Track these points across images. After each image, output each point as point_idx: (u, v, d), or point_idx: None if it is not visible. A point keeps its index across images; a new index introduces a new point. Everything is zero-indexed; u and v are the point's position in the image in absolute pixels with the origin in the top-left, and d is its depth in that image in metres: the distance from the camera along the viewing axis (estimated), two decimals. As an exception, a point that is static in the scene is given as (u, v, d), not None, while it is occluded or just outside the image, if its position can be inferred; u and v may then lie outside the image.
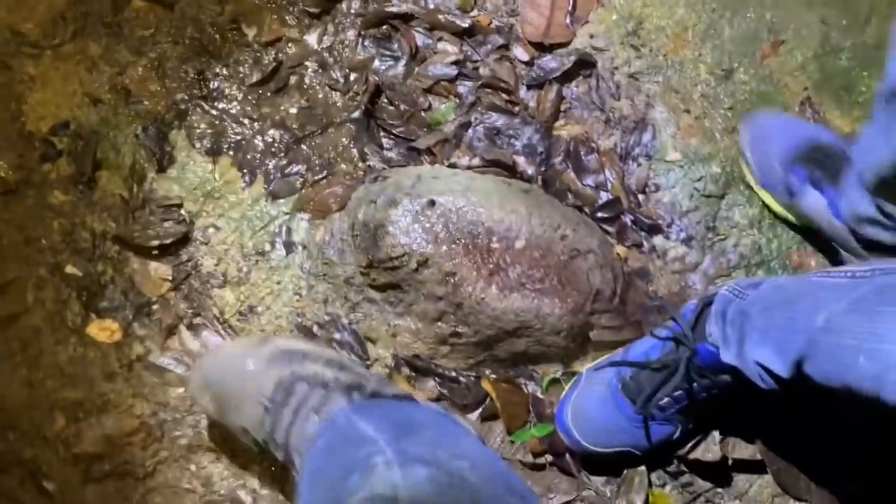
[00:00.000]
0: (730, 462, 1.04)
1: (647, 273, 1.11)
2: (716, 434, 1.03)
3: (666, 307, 1.01)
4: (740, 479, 1.05)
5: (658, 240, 1.12)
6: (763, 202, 1.11)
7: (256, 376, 0.88)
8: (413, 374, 1.05)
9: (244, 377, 0.89)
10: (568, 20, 1.19)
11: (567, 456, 1.04)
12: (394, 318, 1.05)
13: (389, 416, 0.82)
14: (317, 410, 0.83)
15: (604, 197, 1.13)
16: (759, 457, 1.04)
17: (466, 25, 1.17)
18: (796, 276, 0.86)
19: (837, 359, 0.69)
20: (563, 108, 1.16)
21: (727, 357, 0.87)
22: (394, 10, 1.18)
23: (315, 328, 1.06)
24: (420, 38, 1.18)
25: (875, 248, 0.97)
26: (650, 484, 1.03)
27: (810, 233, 1.09)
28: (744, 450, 1.04)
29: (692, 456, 1.03)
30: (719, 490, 1.04)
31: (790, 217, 1.09)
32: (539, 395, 1.06)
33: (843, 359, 0.68)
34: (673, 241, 1.12)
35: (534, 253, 1.02)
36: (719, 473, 1.04)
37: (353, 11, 1.18)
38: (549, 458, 1.04)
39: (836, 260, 1.08)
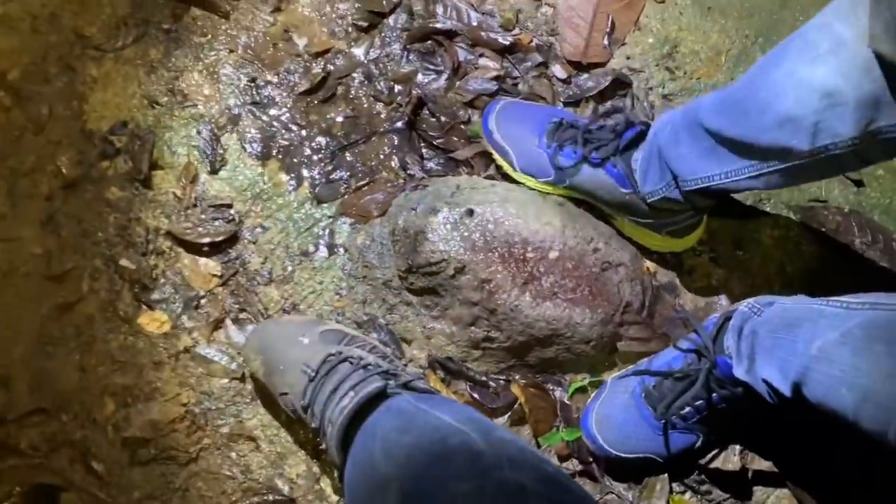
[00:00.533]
0: (749, 473, 1.07)
1: (674, 287, 1.15)
2: (736, 446, 1.07)
3: (689, 319, 1.05)
4: (758, 491, 1.08)
5: (686, 254, 1.16)
6: (526, 185, 1.13)
7: (307, 348, 0.96)
8: (446, 375, 1.10)
9: (296, 347, 0.97)
10: (605, 41, 1.23)
11: (591, 461, 1.08)
12: (429, 320, 1.10)
13: (460, 410, 0.87)
14: (354, 388, 0.89)
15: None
16: (776, 469, 1.07)
17: (508, 43, 1.22)
18: (801, 298, 0.91)
19: (826, 387, 0.75)
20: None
21: (738, 372, 0.91)
22: (438, 26, 1.23)
23: (353, 327, 1.11)
24: (462, 54, 1.23)
25: (665, 211, 1.04)
26: (671, 490, 1.06)
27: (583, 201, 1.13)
28: (763, 462, 1.08)
29: (713, 465, 1.07)
30: (738, 500, 1.08)
31: (562, 193, 1.12)
32: (566, 400, 1.10)
33: (831, 387, 0.74)
34: (700, 258, 1.16)
35: (567, 264, 1.06)
36: (738, 484, 1.07)
37: (399, 26, 1.23)
38: (575, 462, 1.08)
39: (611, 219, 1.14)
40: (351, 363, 0.93)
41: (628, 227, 1.11)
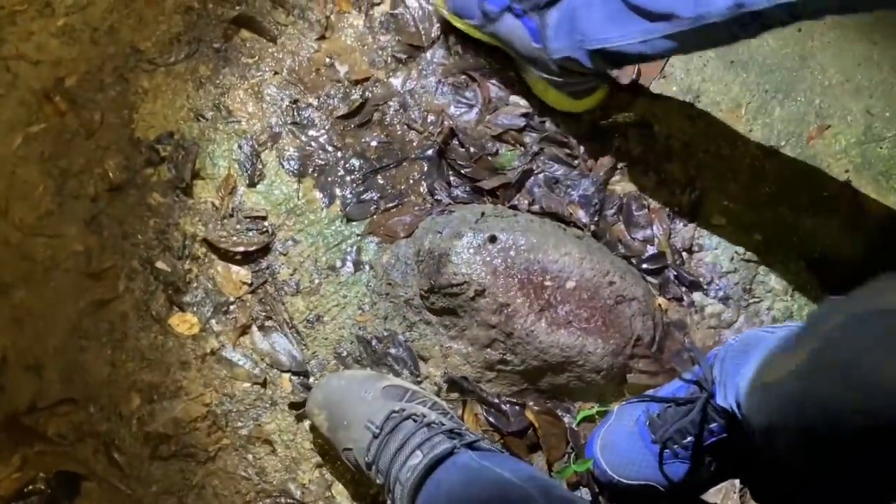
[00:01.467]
0: (748, 511, 1.10)
1: (684, 325, 1.19)
2: (737, 482, 1.10)
3: (694, 352, 1.09)
4: (756, 528, 1.11)
5: (697, 296, 1.20)
6: (456, 27, 1.24)
7: (370, 404, 1.00)
8: (460, 395, 1.14)
9: (359, 403, 1.00)
10: (631, 87, 1.29)
11: (597, 489, 1.12)
12: (447, 340, 1.14)
13: (521, 469, 0.93)
14: (420, 447, 0.93)
15: (650, 251, 1.22)
16: (775, 508, 1.10)
17: (538, 82, 1.28)
18: (765, 327, 0.98)
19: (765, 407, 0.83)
20: (619, 165, 1.26)
21: (719, 399, 0.97)
22: (472, 62, 1.29)
23: (374, 342, 1.15)
24: (494, 90, 1.29)
25: (569, 71, 1.14)
26: (670, 522, 1.09)
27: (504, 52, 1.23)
28: (762, 501, 1.10)
29: (712, 501, 1.10)
30: (735, 536, 1.10)
31: (486, 39, 1.23)
32: (574, 427, 1.14)
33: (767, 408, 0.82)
34: (711, 298, 1.20)
35: (583, 294, 1.11)
36: (737, 520, 1.10)
37: (435, 61, 1.30)
38: (584, 491, 1.12)
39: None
40: (415, 421, 0.97)
41: (533, 81, 1.23)
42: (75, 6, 1.28)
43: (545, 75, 1.17)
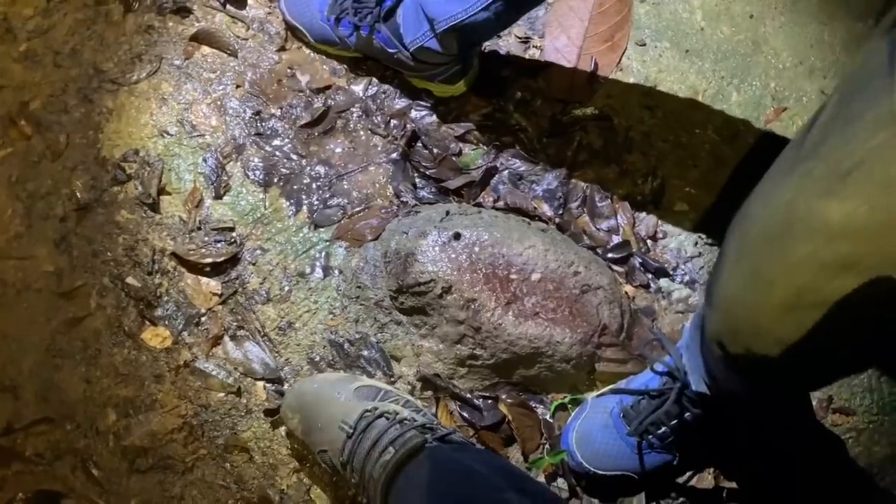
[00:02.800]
0: (724, 492, 1.11)
1: (652, 312, 1.20)
2: (711, 467, 1.11)
3: (663, 341, 1.10)
4: (732, 508, 1.12)
5: (664, 282, 1.22)
6: (327, 53, 1.31)
7: (343, 405, 1.01)
8: (434, 392, 1.15)
9: (332, 404, 1.02)
10: (589, 81, 1.31)
11: (573, 478, 1.13)
12: (418, 339, 1.15)
13: (493, 461, 0.96)
14: (393, 444, 0.94)
15: (615, 240, 1.23)
16: (749, 490, 1.11)
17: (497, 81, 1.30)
18: None
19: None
20: (580, 158, 1.28)
21: (694, 386, 0.97)
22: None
23: (346, 345, 1.16)
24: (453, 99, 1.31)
25: (427, 63, 1.20)
26: (647, 507, 1.10)
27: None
28: (737, 482, 1.12)
29: (688, 484, 1.11)
30: (712, 517, 1.11)
31: (360, 55, 1.30)
32: (548, 418, 1.15)
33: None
34: (677, 283, 1.22)
35: (548, 285, 1.12)
36: (713, 501, 1.11)
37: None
38: (561, 482, 1.13)
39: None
40: (387, 418, 0.98)
41: (413, 79, 1.28)
42: (37, 31, 1.29)
43: (414, 73, 1.25)
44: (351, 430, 0.98)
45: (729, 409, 1.00)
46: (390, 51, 1.21)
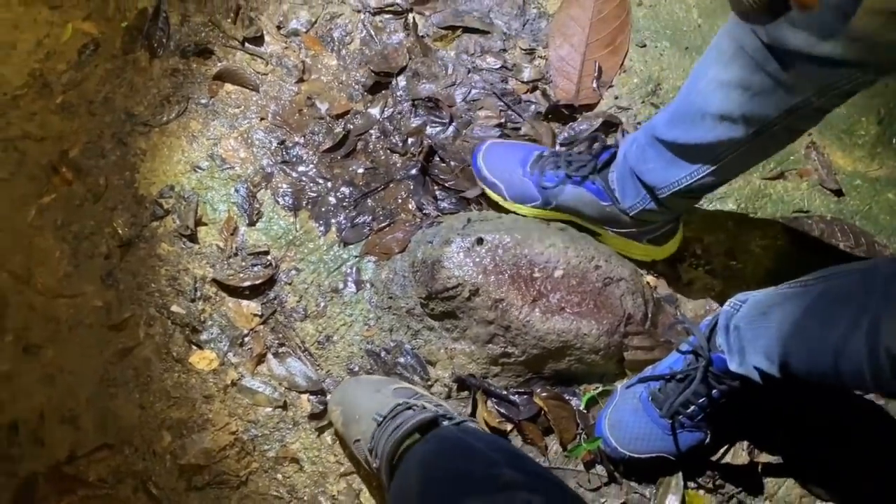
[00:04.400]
0: (759, 467, 1.15)
1: (674, 299, 1.24)
2: (744, 442, 1.15)
3: (686, 323, 1.14)
4: (769, 482, 1.15)
5: (683, 270, 1.26)
6: (518, 213, 1.26)
7: (381, 400, 1.08)
8: (469, 392, 1.19)
9: (371, 399, 1.09)
10: (595, 85, 1.37)
11: (611, 466, 1.16)
12: (450, 342, 1.20)
13: (496, 441, 1.00)
14: (409, 424, 0.99)
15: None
16: (783, 461, 1.14)
17: (506, 93, 1.36)
18: (769, 289, 1.00)
19: (807, 357, 0.85)
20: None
21: (733, 366, 1.00)
22: (429, 87, 1.38)
23: (383, 353, 1.22)
24: (462, 107, 1.37)
25: (645, 221, 1.15)
26: (685, 487, 1.13)
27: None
28: (771, 455, 1.15)
29: (723, 461, 1.14)
30: (749, 493, 1.14)
31: (550, 215, 1.24)
32: (582, 409, 1.19)
33: (811, 355, 0.84)
34: (697, 270, 1.26)
35: (571, 281, 1.17)
36: (749, 477, 1.14)
37: (405, 86, 1.38)
38: (601, 470, 1.16)
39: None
40: (413, 410, 1.04)
41: (612, 240, 1.22)
42: (71, 83, 1.38)
43: (622, 230, 1.19)
44: (381, 420, 1.03)
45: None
46: (603, 203, 1.16)
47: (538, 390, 1.19)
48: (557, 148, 1.27)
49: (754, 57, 0.81)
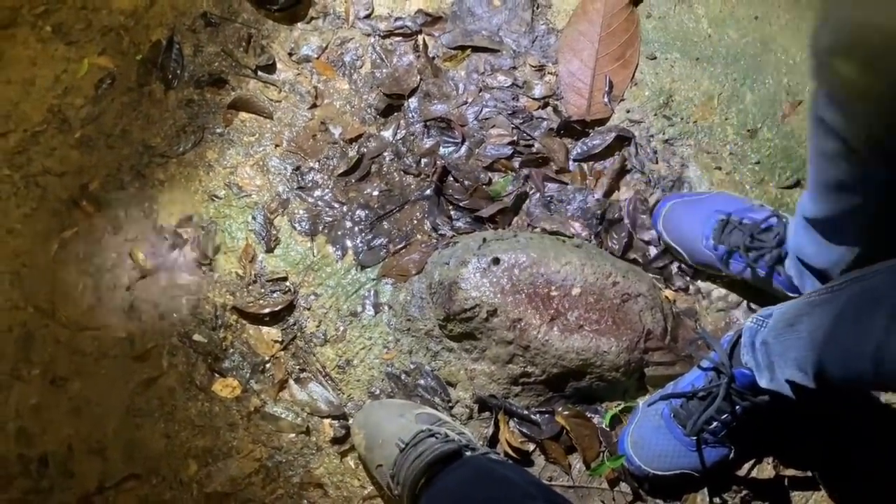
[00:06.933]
0: (785, 481, 1.14)
1: (694, 313, 1.24)
2: (771, 456, 1.14)
3: (707, 338, 1.13)
4: (796, 496, 1.14)
5: (702, 283, 1.25)
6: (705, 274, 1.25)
7: (404, 426, 1.09)
8: (491, 413, 1.19)
9: (394, 424, 1.10)
10: (606, 99, 1.36)
11: (636, 484, 1.16)
12: (470, 363, 1.20)
13: (527, 475, 1.01)
14: (432, 453, 1.00)
15: (654, 250, 1.27)
16: (811, 474, 1.13)
17: (518, 110, 1.36)
18: (793, 300, 0.99)
19: (843, 364, 0.84)
20: (609, 174, 1.33)
21: (763, 382, 0.99)
22: (442, 107, 1.38)
23: (403, 376, 1.22)
24: (474, 126, 1.37)
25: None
26: (711, 502, 1.13)
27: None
28: (798, 468, 1.14)
29: (749, 476, 1.14)
30: (778, 506, 1.13)
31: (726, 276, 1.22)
32: (605, 427, 1.19)
33: (847, 362, 0.82)
34: (716, 282, 1.25)
35: (589, 298, 1.17)
36: (776, 491, 1.13)
37: (416, 107, 1.39)
38: (625, 487, 1.16)
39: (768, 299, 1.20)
40: (437, 438, 1.04)
41: None
42: (89, 117, 1.40)
43: None
44: (404, 446, 1.04)
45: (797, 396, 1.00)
46: (792, 295, 1.13)
47: (560, 409, 1.19)
48: (741, 204, 1.21)
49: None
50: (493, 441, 1.18)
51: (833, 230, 0.95)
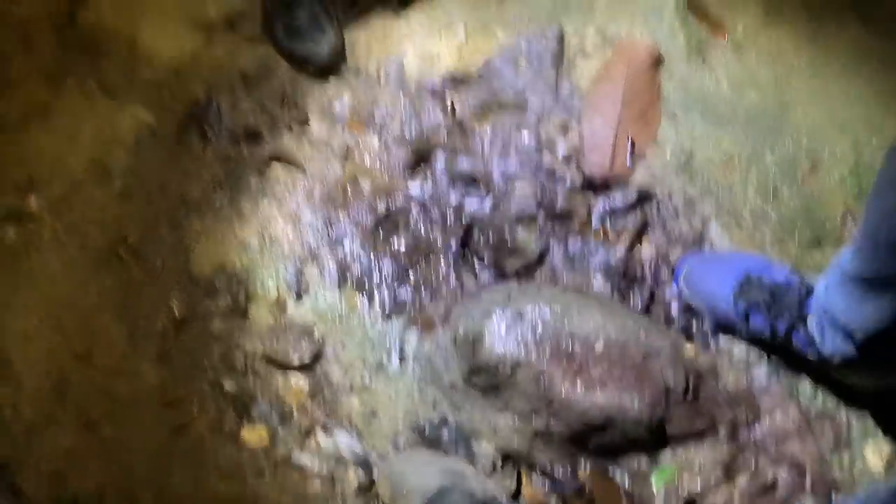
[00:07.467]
0: None
1: (715, 369, 1.25)
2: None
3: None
4: None
5: (723, 340, 1.27)
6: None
7: (429, 479, 1.11)
8: (513, 466, 1.21)
9: (419, 477, 1.13)
10: (628, 157, 1.40)
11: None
12: (494, 416, 1.23)
13: None
14: None
15: (675, 307, 1.30)
16: None
17: (541, 169, 1.41)
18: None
19: None
20: (630, 231, 1.36)
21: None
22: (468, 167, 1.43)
23: (427, 428, 1.25)
24: (500, 182, 1.41)
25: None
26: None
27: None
28: None
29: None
30: None
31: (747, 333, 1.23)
32: (627, 487, 1.20)
33: None
34: (737, 340, 1.27)
35: (612, 354, 1.19)
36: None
37: (442, 165, 1.43)
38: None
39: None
40: (461, 493, 1.07)
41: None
42: (129, 170, 1.46)
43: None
44: (427, 502, 1.05)
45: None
46: (810, 355, 1.16)
47: (582, 464, 1.20)
48: (764, 263, 1.23)
49: None
50: (515, 495, 1.19)
51: (880, 286, 0.95)
